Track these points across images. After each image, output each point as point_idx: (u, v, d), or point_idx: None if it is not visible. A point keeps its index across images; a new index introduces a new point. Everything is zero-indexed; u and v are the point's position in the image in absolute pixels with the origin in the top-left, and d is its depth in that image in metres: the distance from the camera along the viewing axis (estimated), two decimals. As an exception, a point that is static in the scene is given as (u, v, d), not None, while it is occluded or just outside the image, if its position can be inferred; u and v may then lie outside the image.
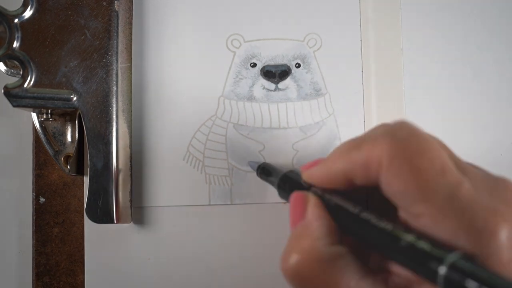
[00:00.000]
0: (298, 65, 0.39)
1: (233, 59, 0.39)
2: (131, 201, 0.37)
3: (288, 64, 0.39)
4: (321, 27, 0.40)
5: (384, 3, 0.40)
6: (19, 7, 0.35)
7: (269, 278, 0.38)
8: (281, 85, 0.39)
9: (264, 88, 0.39)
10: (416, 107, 0.40)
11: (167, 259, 0.38)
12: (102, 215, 0.35)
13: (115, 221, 0.36)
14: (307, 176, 0.29)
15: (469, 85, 0.40)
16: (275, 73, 0.39)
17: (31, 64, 0.35)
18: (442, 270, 0.21)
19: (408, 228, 0.24)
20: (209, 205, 0.38)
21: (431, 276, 0.22)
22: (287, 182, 0.32)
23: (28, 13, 0.35)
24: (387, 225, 0.24)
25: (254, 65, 0.39)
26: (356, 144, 0.25)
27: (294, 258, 0.25)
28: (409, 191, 0.23)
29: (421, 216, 0.23)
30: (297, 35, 0.40)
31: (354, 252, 0.26)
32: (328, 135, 0.39)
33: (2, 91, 0.35)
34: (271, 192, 0.39)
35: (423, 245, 0.22)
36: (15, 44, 0.35)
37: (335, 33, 0.40)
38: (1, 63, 0.37)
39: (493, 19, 0.41)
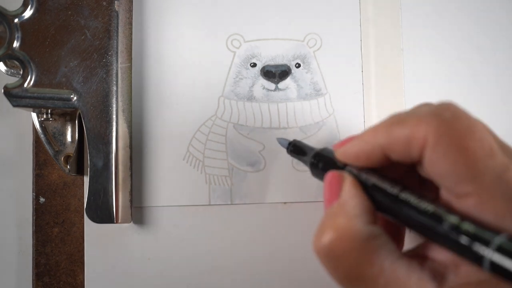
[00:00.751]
0: (298, 65, 0.39)
1: (233, 59, 0.39)
2: (131, 201, 0.37)
3: (288, 64, 0.39)
4: (321, 27, 0.40)
5: (384, 3, 0.40)
6: (19, 7, 0.35)
7: (269, 277, 0.38)
8: (281, 85, 0.39)
9: (264, 88, 0.39)
10: (416, 107, 0.40)
11: (167, 259, 0.38)
12: (102, 215, 0.35)
13: (115, 221, 0.36)
14: (341, 153, 0.28)
15: (469, 85, 0.40)
16: (275, 73, 0.39)
17: (31, 64, 0.35)
18: (489, 253, 0.21)
19: (450, 209, 0.23)
20: (209, 205, 0.38)
21: (476, 259, 0.21)
22: (320, 160, 0.31)
23: (28, 13, 0.35)
24: (428, 206, 0.23)
25: (254, 65, 0.39)
26: (398, 119, 0.25)
27: (328, 236, 0.24)
28: (456, 171, 0.23)
29: (467, 196, 0.23)
30: (297, 35, 0.40)
31: (389, 234, 0.25)
32: (328, 135, 0.39)
33: (2, 91, 0.35)
34: (271, 192, 0.39)
35: (467, 226, 0.22)
36: (15, 44, 0.35)
37: (335, 33, 0.40)
38: (1, 63, 0.37)
39: (493, 19, 0.41)
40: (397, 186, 0.25)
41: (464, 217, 0.22)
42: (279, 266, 0.38)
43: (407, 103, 0.39)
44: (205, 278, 0.38)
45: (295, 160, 0.39)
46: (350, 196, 0.26)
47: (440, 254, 0.24)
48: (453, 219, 0.22)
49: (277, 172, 0.39)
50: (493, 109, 0.40)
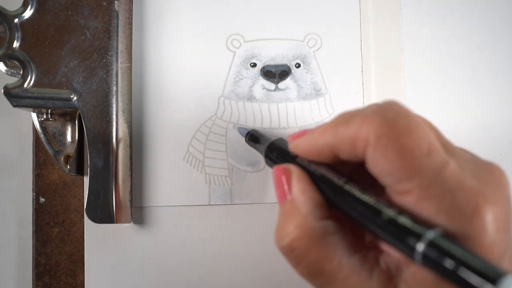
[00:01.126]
0: (298, 65, 0.39)
1: (233, 59, 0.39)
2: (131, 201, 0.37)
3: (288, 64, 0.39)
4: (321, 27, 0.40)
5: (384, 3, 0.40)
6: (19, 7, 0.35)
7: (269, 277, 0.38)
8: (281, 85, 0.39)
9: (264, 88, 0.39)
10: (416, 107, 0.39)
11: (167, 259, 0.38)
12: (102, 215, 0.35)
13: (115, 221, 0.36)
14: (293, 146, 0.29)
15: (469, 85, 0.40)
16: (275, 73, 0.39)
17: (31, 64, 0.35)
18: (420, 247, 0.21)
19: (391, 204, 0.24)
20: (209, 205, 0.38)
21: (410, 252, 0.22)
22: (274, 150, 0.32)
23: (28, 13, 0.35)
24: (369, 198, 0.24)
25: (254, 65, 0.39)
26: (345, 119, 0.25)
27: (286, 236, 0.25)
28: (394, 170, 0.23)
29: (405, 194, 0.23)
30: (297, 35, 0.40)
31: (347, 227, 0.26)
32: (328, 135, 0.39)
33: (2, 91, 0.35)
34: (271, 192, 0.39)
35: (403, 220, 0.22)
36: (15, 44, 0.35)
37: (335, 33, 0.40)
38: (1, 63, 0.37)
39: (493, 19, 0.41)
40: (343, 178, 0.26)
41: (402, 211, 0.23)
42: (279, 266, 0.38)
43: (407, 103, 0.39)
44: (205, 278, 0.38)
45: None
46: (300, 191, 0.26)
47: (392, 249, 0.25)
48: (390, 212, 0.23)
49: (277, 172, 0.39)
50: (492, 109, 0.40)
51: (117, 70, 0.36)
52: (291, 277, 0.38)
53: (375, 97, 0.39)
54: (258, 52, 0.39)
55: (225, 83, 0.39)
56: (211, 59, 0.39)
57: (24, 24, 0.35)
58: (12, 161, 0.41)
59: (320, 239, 0.25)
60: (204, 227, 0.38)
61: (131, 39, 0.37)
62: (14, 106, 0.35)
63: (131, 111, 0.37)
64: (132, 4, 0.37)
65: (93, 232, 0.38)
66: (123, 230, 0.38)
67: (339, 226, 0.26)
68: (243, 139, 0.38)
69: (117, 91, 0.36)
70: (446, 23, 0.40)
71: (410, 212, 0.23)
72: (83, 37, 0.36)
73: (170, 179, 0.38)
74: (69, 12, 0.36)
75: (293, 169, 0.28)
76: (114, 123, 0.36)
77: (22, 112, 0.40)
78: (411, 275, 0.23)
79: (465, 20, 0.41)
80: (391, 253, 0.25)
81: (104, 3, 0.36)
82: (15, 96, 0.35)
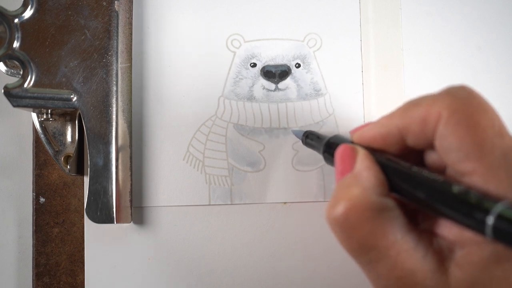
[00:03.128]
0: (298, 65, 0.39)
1: (233, 59, 0.39)
2: (131, 201, 0.37)
3: (288, 64, 0.39)
4: (321, 27, 0.40)
5: (384, 3, 0.40)
6: (19, 7, 0.35)
7: (269, 277, 0.38)
8: (281, 85, 0.39)
9: (264, 88, 0.39)
10: (416, 107, 0.40)
11: (167, 259, 0.38)
12: (102, 215, 0.35)
13: (115, 221, 0.36)
14: (358, 136, 0.28)
15: (469, 85, 0.40)
16: (275, 73, 0.39)
17: (31, 64, 0.35)
18: (490, 220, 0.21)
19: (458, 182, 0.24)
20: (209, 205, 0.38)
21: (479, 227, 0.22)
22: (333, 144, 0.31)
23: (28, 13, 0.35)
24: (438, 176, 0.24)
25: (254, 65, 0.39)
26: (414, 102, 0.26)
27: (343, 206, 0.25)
28: (464, 146, 0.23)
29: (471, 174, 0.23)
30: (297, 35, 0.40)
31: (403, 212, 0.26)
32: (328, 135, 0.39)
33: (2, 91, 0.35)
34: (271, 192, 0.39)
35: (472, 195, 0.22)
36: (15, 44, 0.35)
37: (335, 33, 0.40)
38: (1, 63, 0.37)
39: (493, 19, 0.41)
40: (408, 163, 0.26)
41: (469, 187, 0.23)
42: (279, 266, 0.38)
43: (407, 103, 0.39)
44: (205, 278, 0.38)
45: (295, 160, 0.39)
46: (364, 167, 0.26)
47: (448, 232, 0.25)
48: (459, 188, 0.23)
49: (277, 172, 0.39)
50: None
51: (117, 70, 0.36)
52: (291, 277, 0.39)
53: (375, 97, 0.39)
54: (258, 52, 0.39)
55: (225, 83, 0.39)
56: (211, 59, 0.39)
57: (24, 24, 0.35)
58: (12, 161, 0.41)
59: (378, 213, 0.24)
60: (204, 227, 0.38)
61: (131, 39, 0.37)
62: (14, 106, 0.35)
63: (131, 111, 0.37)
64: (132, 4, 0.37)
65: (93, 232, 0.38)
66: (123, 230, 0.38)
67: (397, 206, 0.25)
68: (243, 139, 0.38)
69: (117, 91, 0.36)
70: (446, 23, 0.40)
71: (477, 189, 0.23)
72: (83, 37, 0.36)
73: (170, 179, 0.38)
74: (69, 12, 0.36)
75: (360, 148, 0.28)
76: (114, 123, 0.36)
77: (22, 112, 0.40)
78: (464, 257, 0.24)
79: (465, 20, 0.41)
80: (444, 237, 0.25)
81: (104, 3, 0.36)
82: (15, 96, 0.35)
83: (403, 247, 0.24)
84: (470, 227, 0.22)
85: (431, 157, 0.26)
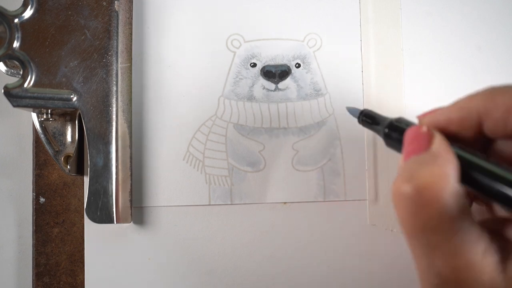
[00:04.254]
0: (298, 65, 0.39)
1: (233, 59, 0.39)
2: (131, 201, 0.37)
3: (288, 64, 0.39)
4: (321, 27, 0.40)
5: (384, 3, 0.40)
6: (19, 7, 0.35)
7: (269, 277, 0.38)
8: (281, 85, 0.39)
9: (264, 88, 0.39)
10: (416, 107, 0.40)
11: (167, 259, 0.38)
12: (102, 215, 0.35)
13: (115, 221, 0.36)
14: (431, 119, 0.27)
15: (469, 85, 0.40)
16: (275, 73, 0.39)
17: (31, 64, 0.35)
18: None
19: None
20: (209, 205, 0.38)
21: None
22: (396, 130, 0.29)
23: (28, 13, 0.35)
24: None
25: (254, 65, 0.39)
26: (500, 88, 0.25)
27: (419, 181, 0.23)
28: None
29: None
30: (297, 35, 0.40)
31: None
32: (328, 135, 0.39)
33: (2, 91, 0.35)
34: (271, 192, 0.39)
35: None
36: (15, 44, 0.35)
37: (335, 33, 0.40)
38: (1, 63, 0.37)
39: (493, 19, 0.41)
40: (483, 154, 0.25)
41: None
42: (279, 266, 0.38)
43: (407, 103, 0.39)
44: (205, 278, 0.38)
45: (295, 160, 0.39)
46: (444, 149, 0.25)
47: None
48: None
49: (277, 172, 0.39)
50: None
51: (117, 70, 0.36)
52: (291, 277, 0.39)
53: (375, 97, 0.39)
54: (258, 52, 0.39)
55: (225, 83, 0.39)
56: (211, 59, 0.39)
57: (24, 24, 0.35)
58: (12, 161, 0.41)
59: (453, 197, 0.23)
60: (204, 227, 0.38)
61: (131, 39, 0.37)
62: (14, 106, 0.35)
63: (131, 111, 0.37)
64: (132, 4, 0.37)
65: (93, 232, 0.38)
66: (123, 230, 0.38)
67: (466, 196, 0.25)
68: (243, 139, 0.38)
69: (117, 91, 0.36)
70: (446, 23, 0.40)
71: None
72: (83, 37, 0.36)
73: (170, 179, 0.38)
74: (69, 12, 0.36)
75: (436, 132, 0.26)
76: (114, 123, 0.36)
77: (22, 112, 0.40)
78: None
79: (465, 20, 0.41)
80: (509, 238, 0.24)
81: (104, 3, 0.36)
82: (15, 96, 0.35)
83: (467, 237, 0.23)
84: None
85: (503, 147, 0.25)
